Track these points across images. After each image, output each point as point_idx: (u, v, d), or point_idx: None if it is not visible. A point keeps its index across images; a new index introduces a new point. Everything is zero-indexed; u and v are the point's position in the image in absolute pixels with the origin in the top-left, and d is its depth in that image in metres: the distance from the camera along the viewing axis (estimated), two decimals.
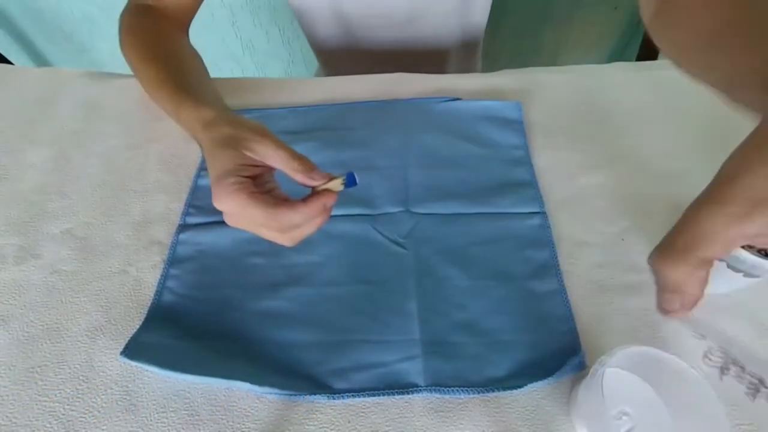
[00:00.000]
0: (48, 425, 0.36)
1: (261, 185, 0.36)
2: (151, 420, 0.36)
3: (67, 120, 0.56)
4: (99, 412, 0.36)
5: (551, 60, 1.29)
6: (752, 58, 0.28)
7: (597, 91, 0.56)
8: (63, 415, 0.36)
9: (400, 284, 0.42)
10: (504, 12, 1.15)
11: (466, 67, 0.78)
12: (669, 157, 0.50)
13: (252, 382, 0.35)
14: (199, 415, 0.36)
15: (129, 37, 0.50)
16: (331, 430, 0.35)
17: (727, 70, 0.31)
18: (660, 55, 0.83)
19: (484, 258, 0.43)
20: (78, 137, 0.54)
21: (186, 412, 0.36)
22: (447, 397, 0.36)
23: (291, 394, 0.36)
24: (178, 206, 0.48)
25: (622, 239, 0.44)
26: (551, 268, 0.42)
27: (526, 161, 0.50)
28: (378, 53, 0.73)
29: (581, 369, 0.36)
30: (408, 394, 0.36)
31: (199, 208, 0.47)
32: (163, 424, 0.35)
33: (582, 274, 0.42)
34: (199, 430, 0.35)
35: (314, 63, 0.85)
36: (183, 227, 0.46)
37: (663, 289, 0.26)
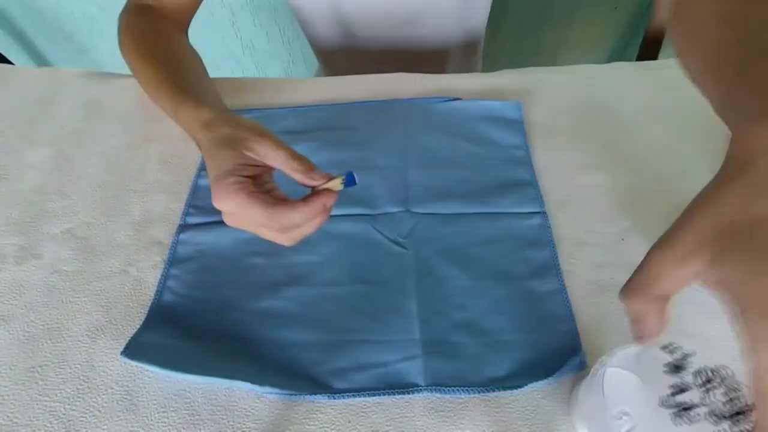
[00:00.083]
0: (48, 425, 0.36)
1: (260, 185, 0.36)
2: (151, 420, 0.36)
3: (67, 120, 0.56)
4: (99, 411, 0.36)
5: (551, 60, 1.29)
6: (743, 83, 0.28)
7: (597, 91, 0.56)
8: (63, 414, 0.36)
9: (400, 284, 0.42)
10: (504, 12, 1.15)
11: (466, 68, 0.79)
12: (669, 157, 0.50)
13: (252, 382, 0.35)
14: (199, 415, 0.36)
15: (128, 37, 0.50)
16: (332, 429, 0.35)
17: (716, 90, 0.32)
18: (660, 55, 0.83)
19: (484, 258, 0.43)
20: (78, 137, 0.54)
21: (186, 411, 0.36)
22: (447, 397, 0.36)
23: (291, 394, 0.36)
24: (178, 206, 0.48)
25: (622, 239, 0.44)
26: (551, 268, 0.42)
27: (526, 161, 0.50)
28: (378, 53, 0.73)
29: (582, 369, 0.36)
30: (408, 393, 0.36)
31: (200, 208, 0.47)
32: (164, 424, 0.35)
33: (582, 274, 0.42)
34: (200, 430, 0.35)
35: (314, 63, 0.86)
36: (183, 227, 0.46)
37: (630, 319, 0.29)
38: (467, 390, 0.36)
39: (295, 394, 0.36)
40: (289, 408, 0.36)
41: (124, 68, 0.54)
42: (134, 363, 0.37)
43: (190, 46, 0.52)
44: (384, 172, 0.49)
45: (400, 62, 0.66)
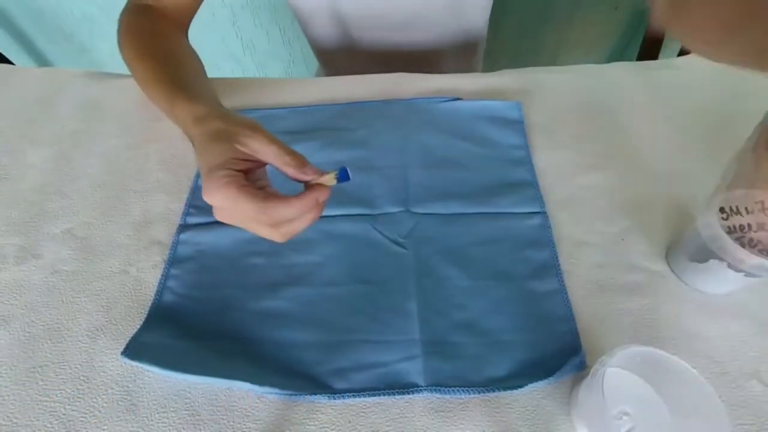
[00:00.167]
0: (49, 425, 0.36)
1: (252, 181, 0.35)
2: (151, 420, 0.36)
3: (67, 120, 0.56)
4: (100, 412, 0.36)
5: (551, 60, 1.29)
6: None
7: (597, 91, 0.56)
8: (64, 415, 0.36)
9: (400, 284, 0.42)
10: (504, 12, 1.15)
11: (465, 68, 0.78)
12: (669, 157, 0.50)
13: (252, 382, 0.35)
14: (199, 415, 0.36)
15: (127, 36, 0.50)
16: (332, 430, 0.35)
17: (761, 40, 0.31)
18: (660, 55, 0.83)
19: (484, 258, 0.43)
20: (78, 137, 0.54)
21: (186, 412, 0.36)
22: (447, 397, 0.36)
23: (291, 394, 0.36)
24: (178, 206, 0.48)
25: (622, 239, 0.44)
26: (551, 268, 0.42)
27: (527, 161, 0.50)
28: (376, 54, 0.73)
29: (582, 369, 0.36)
30: (408, 394, 0.36)
31: (200, 208, 0.47)
32: (164, 424, 0.35)
33: (582, 274, 0.42)
34: (200, 430, 0.35)
35: (314, 63, 0.85)
36: (183, 227, 0.46)
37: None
38: (467, 390, 0.36)
39: (295, 394, 0.36)
40: (289, 408, 0.36)
41: (124, 68, 0.54)
42: (134, 363, 0.37)
43: (190, 47, 0.52)
44: (384, 172, 0.49)
45: (399, 62, 0.66)
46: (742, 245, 0.34)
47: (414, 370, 0.37)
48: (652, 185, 0.47)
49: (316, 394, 0.36)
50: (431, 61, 0.74)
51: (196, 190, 0.49)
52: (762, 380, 0.36)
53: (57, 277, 0.43)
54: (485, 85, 0.57)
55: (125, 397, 0.37)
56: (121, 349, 0.37)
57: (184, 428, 0.35)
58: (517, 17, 1.17)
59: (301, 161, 0.35)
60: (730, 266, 0.36)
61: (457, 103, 0.55)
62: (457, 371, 0.37)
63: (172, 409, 0.36)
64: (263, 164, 0.36)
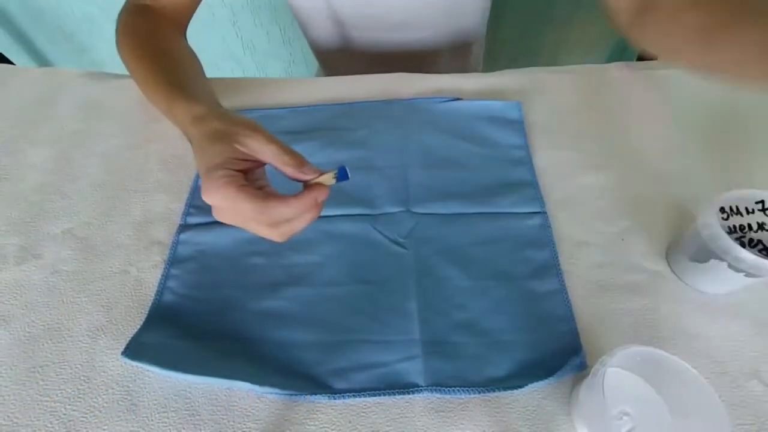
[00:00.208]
0: (49, 425, 0.36)
1: (251, 181, 0.35)
2: (151, 420, 0.36)
3: (67, 120, 0.56)
4: (100, 412, 0.36)
5: (551, 60, 1.29)
6: (756, 33, 0.33)
7: (597, 91, 0.56)
8: (64, 414, 0.36)
9: (400, 284, 0.42)
10: (504, 12, 1.15)
11: (462, 68, 0.78)
12: (669, 157, 0.50)
13: (252, 382, 0.35)
14: (199, 415, 0.36)
15: (125, 36, 0.50)
16: (332, 430, 0.35)
17: (729, 52, 0.36)
18: None
19: (484, 258, 0.43)
20: (78, 137, 0.54)
21: (187, 412, 0.36)
22: (447, 397, 0.36)
23: (291, 394, 0.36)
24: (178, 206, 0.48)
25: (622, 239, 0.44)
26: (552, 268, 0.42)
27: (527, 161, 0.50)
28: (374, 54, 0.73)
29: (582, 369, 0.36)
30: (408, 394, 0.36)
31: (200, 208, 0.47)
32: (164, 424, 0.36)
33: (582, 274, 0.42)
34: (200, 430, 0.35)
35: (314, 63, 0.86)
36: (183, 227, 0.46)
37: None
38: (467, 390, 0.36)
39: (295, 394, 0.36)
40: (289, 408, 0.36)
41: (124, 68, 0.54)
42: (134, 363, 0.37)
43: (188, 47, 0.52)
44: (384, 172, 0.49)
45: (397, 62, 0.66)
46: (743, 245, 0.34)
47: (414, 370, 0.37)
48: (652, 185, 0.47)
49: (316, 394, 0.36)
50: (430, 60, 0.74)
51: (196, 190, 0.49)
52: (762, 380, 0.36)
53: (57, 277, 0.43)
54: (485, 85, 0.57)
55: (125, 397, 0.37)
56: (122, 349, 0.37)
57: (184, 428, 0.35)
58: (517, 17, 1.17)
59: (300, 161, 0.35)
60: (730, 266, 0.36)
61: (457, 103, 0.55)
62: (457, 371, 0.37)
63: (172, 409, 0.36)
64: (262, 164, 0.36)
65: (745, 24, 0.35)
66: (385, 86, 0.58)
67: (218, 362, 0.38)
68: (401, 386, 0.36)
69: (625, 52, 1.25)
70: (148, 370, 0.38)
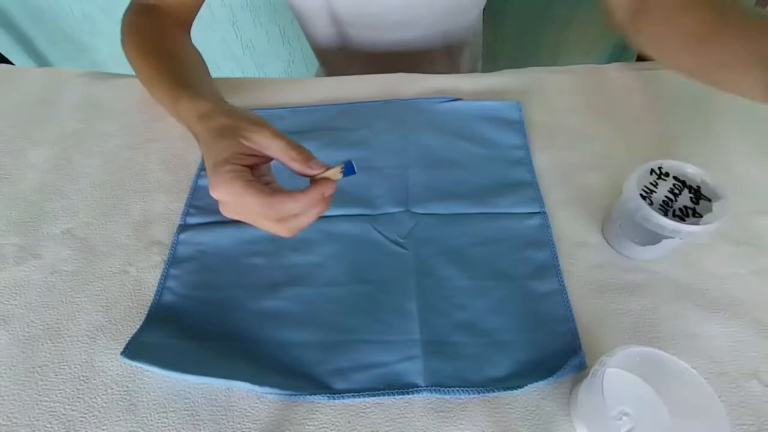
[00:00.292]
0: (48, 425, 0.36)
1: (258, 177, 0.35)
2: (151, 420, 0.36)
3: (67, 120, 0.56)
4: (99, 412, 0.36)
5: (551, 60, 1.29)
6: (743, 41, 0.35)
7: (597, 91, 0.56)
8: (63, 414, 0.36)
9: (400, 284, 0.42)
10: (504, 12, 1.15)
11: (459, 67, 0.79)
12: (669, 157, 0.49)
13: (252, 382, 0.35)
14: (199, 415, 0.36)
15: (130, 36, 0.50)
16: (332, 430, 0.35)
17: (718, 57, 0.37)
18: None
19: (484, 258, 0.43)
20: (78, 137, 0.54)
21: (186, 412, 0.36)
22: (447, 397, 0.36)
23: (291, 394, 0.36)
24: (178, 206, 0.48)
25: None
26: (551, 268, 0.42)
27: (527, 161, 0.50)
28: (372, 53, 0.73)
29: (581, 369, 0.36)
30: (408, 394, 0.36)
31: (200, 208, 0.47)
32: (164, 424, 0.36)
33: (582, 274, 0.42)
34: (200, 430, 0.35)
35: (314, 63, 0.86)
36: (183, 227, 0.46)
37: None
38: (467, 390, 0.36)
39: (295, 394, 0.36)
40: (289, 408, 0.36)
41: (124, 68, 0.54)
42: (134, 363, 0.37)
43: (192, 46, 0.53)
44: (384, 172, 0.49)
45: (394, 63, 0.66)
46: (665, 214, 0.37)
47: (414, 370, 0.37)
48: None
49: (316, 394, 0.36)
50: (428, 59, 0.74)
51: (196, 190, 0.49)
52: (761, 380, 0.36)
53: (57, 277, 0.43)
54: (485, 85, 0.57)
55: (125, 397, 0.37)
56: (121, 349, 0.37)
57: (183, 428, 0.35)
58: (517, 17, 1.17)
59: (307, 155, 0.35)
60: (652, 228, 0.38)
61: (457, 103, 0.55)
62: (457, 371, 0.37)
63: (171, 409, 0.36)
64: (268, 159, 0.36)
65: (733, 32, 0.36)
66: (385, 86, 0.58)
67: (218, 362, 0.38)
68: (401, 386, 0.36)
69: (625, 52, 1.25)
70: (147, 370, 0.38)
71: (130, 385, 0.37)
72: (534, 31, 1.22)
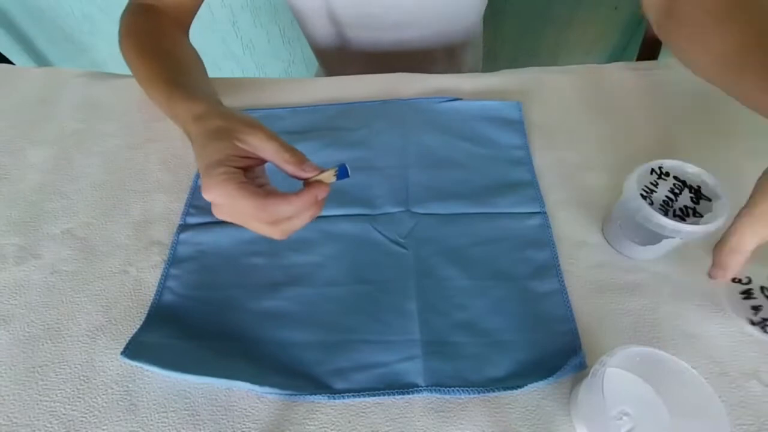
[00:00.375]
0: (48, 425, 0.36)
1: (251, 179, 0.35)
2: (151, 420, 0.36)
3: (67, 120, 0.56)
4: (99, 411, 0.36)
5: (551, 60, 1.29)
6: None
7: (597, 91, 0.56)
8: (63, 414, 0.36)
9: (400, 284, 0.42)
10: (504, 12, 1.15)
11: (459, 66, 0.79)
12: (669, 156, 0.49)
13: (252, 382, 0.35)
14: (199, 415, 0.36)
15: (128, 36, 0.50)
16: (332, 430, 0.35)
17: (742, 88, 0.36)
18: (660, 55, 0.83)
19: (484, 258, 0.43)
20: (78, 137, 0.54)
21: (186, 412, 0.36)
22: (447, 397, 0.36)
23: (291, 394, 0.36)
24: (178, 206, 0.48)
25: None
26: (551, 268, 0.42)
27: (527, 161, 0.50)
28: (371, 53, 0.73)
29: (581, 369, 0.36)
30: (408, 394, 0.36)
31: (200, 208, 0.47)
32: (164, 424, 0.36)
33: (582, 274, 0.42)
34: (200, 430, 0.35)
35: (314, 63, 0.86)
36: (183, 227, 0.46)
37: (715, 266, 0.34)
38: (467, 390, 0.36)
39: (295, 394, 0.36)
40: (289, 408, 0.36)
41: (124, 68, 0.54)
42: (134, 363, 0.37)
43: (191, 46, 0.52)
44: (384, 172, 0.49)
45: (395, 61, 0.66)
46: (665, 214, 0.37)
47: (414, 370, 0.37)
48: None
49: (316, 394, 0.36)
50: (428, 59, 0.74)
51: (196, 190, 0.49)
52: (762, 380, 0.36)
53: (57, 277, 0.43)
54: (485, 85, 0.57)
55: (125, 397, 0.37)
56: (121, 349, 0.37)
57: (183, 428, 0.35)
58: (517, 17, 1.17)
59: (301, 158, 0.35)
60: (653, 228, 0.37)
61: (457, 103, 0.55)
62: (457, 371, 0.37)
63: (172, 409, 0.36)
64: (262, 162, 0.36)
65: (756, 66, 0.34)
66: (384, 86, 0.58)
67: (218, 362, 0.38)
68: (401, 386, 0.36)
69: (625, 52, 1.25)
70: (147, 370, 0.38)
71: (130, 385, 0.37)
72: (534, 31, 1.22)
